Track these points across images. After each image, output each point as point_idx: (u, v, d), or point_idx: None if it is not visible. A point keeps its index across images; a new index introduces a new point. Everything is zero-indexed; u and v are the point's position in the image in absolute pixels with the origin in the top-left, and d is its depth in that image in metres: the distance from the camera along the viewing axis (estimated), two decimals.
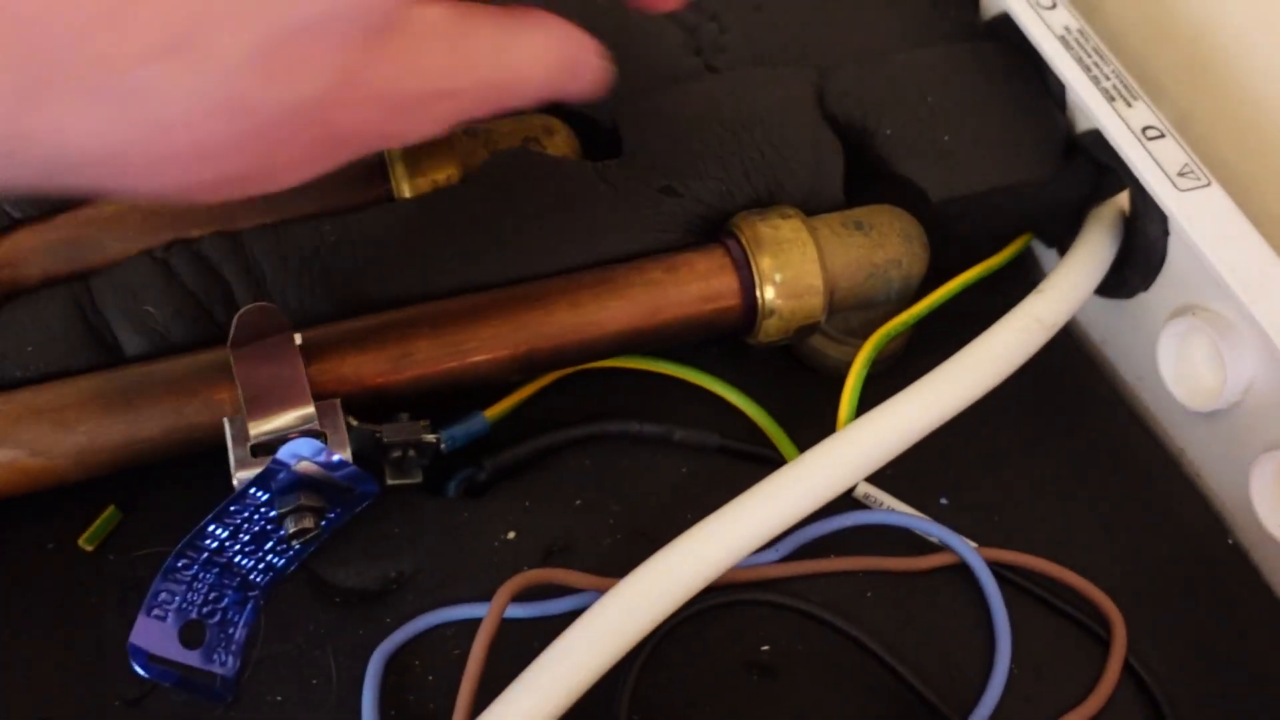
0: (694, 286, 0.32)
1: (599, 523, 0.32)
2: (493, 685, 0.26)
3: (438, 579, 0.31)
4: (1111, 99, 0.35)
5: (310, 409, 0.28)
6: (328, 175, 0.34)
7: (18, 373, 0.29)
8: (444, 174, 0.34)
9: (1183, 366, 0.35)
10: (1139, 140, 0.34)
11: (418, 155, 0.34)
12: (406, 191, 0.34)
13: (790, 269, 0.32)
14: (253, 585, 0.30)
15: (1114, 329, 0.39)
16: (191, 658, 0.28)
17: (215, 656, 0.29)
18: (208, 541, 0.28)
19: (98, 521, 0.31)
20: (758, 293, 0.32)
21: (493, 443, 0.33)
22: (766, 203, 0.34)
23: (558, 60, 0.28)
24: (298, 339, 0.29)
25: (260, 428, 0.28)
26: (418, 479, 0.31)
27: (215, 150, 0.23)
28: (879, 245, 0.33)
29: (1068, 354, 0.39)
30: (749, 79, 0.35)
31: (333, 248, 0.32)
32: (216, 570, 0.29)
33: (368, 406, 0.30)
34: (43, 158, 0.22)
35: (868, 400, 0.32)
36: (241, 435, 0.28)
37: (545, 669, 0.26)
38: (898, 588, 0.32)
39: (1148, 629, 0.32)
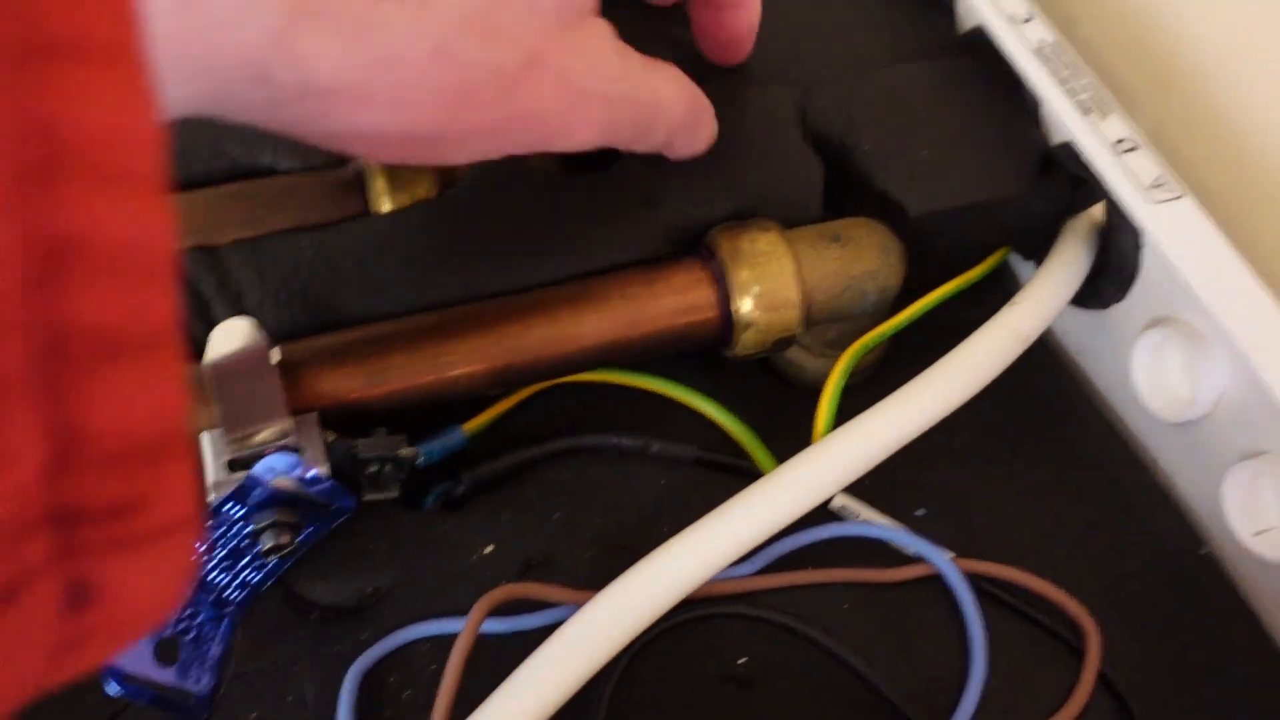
0: (671, 299, 0.32)
1: (577, 536, 0.32)
2: (469, 700, 0.26)
3: (415, 594, 0.31)
4: (1086, 112, 0.35)
5: (287, 424, 0.28)
6: (307, 188, 0.34)
7: None
8: (422, 188, 0.34)
9: (1156, 377, 0.35)
10: (1112, 153, 0.34)
11: (396, 169, 0.34)
12: (385, 206, 0.34)
13: (767, 282, 0.32)
14: (228, 602, 0.30)
15: (1089, 339, 0.39)
16: (166, 675, 0.28)
17: (190, 674, 0.29)
18: None
19: None
20: (735, 306, 0.32)
21: (471, 456, 0.33)
22: (746, 216, 0.34)
23: (690, 106, 0.32)
24: (275, 354, 0.29)
25: (236, 443, 0.28)
26: (395, 493, 0.31)
27: (421, 96, 0.25)
28: (855, 258, 0.33)
29: (1044, 364, 0.39)
30: (731, 95, 0.35)
31: (311, 263, 0.32)
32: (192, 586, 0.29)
33: (345, 421, 0.30)
34: (296, 84, 0.23)
35: (845, 412, 0.33)
36: (218, 451, 0.28)
37: (522, 683, 0.27)
38: (874, 599, 0.32)
39: (1122, 638, 0.32)
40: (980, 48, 0.39)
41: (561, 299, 0.32)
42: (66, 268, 0.13)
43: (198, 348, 0.30)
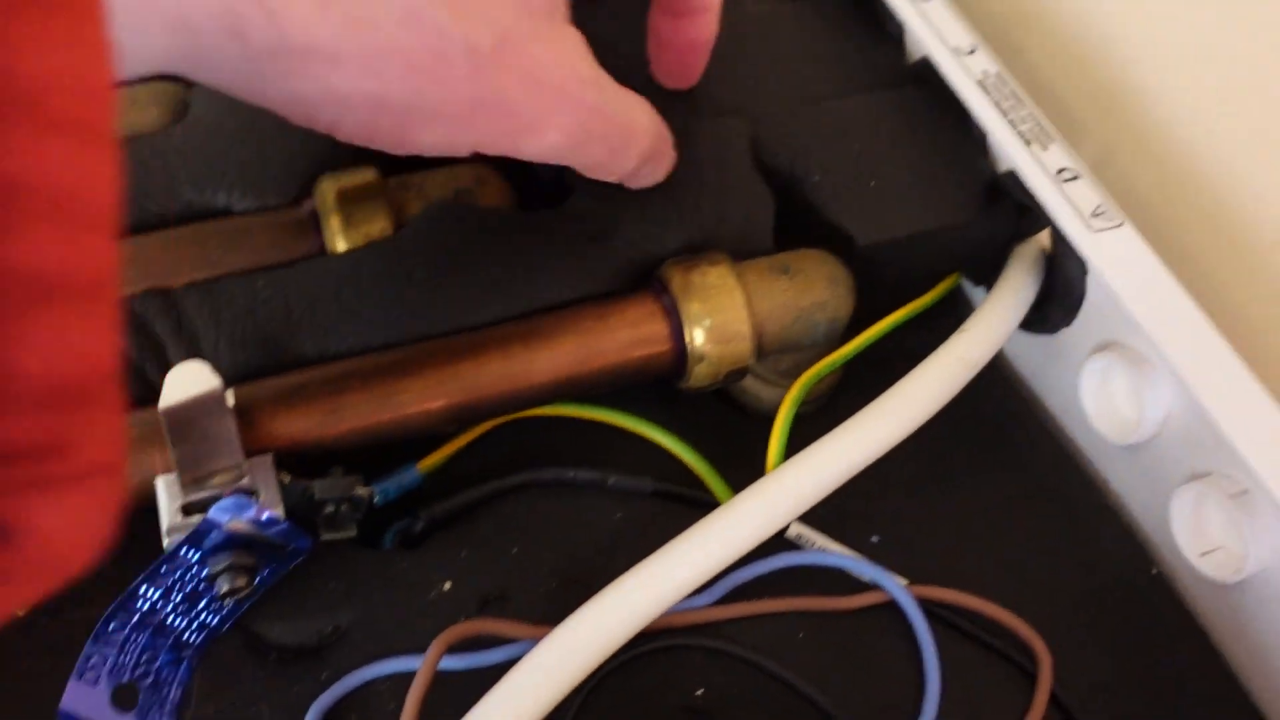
0: (624, 334, 0.33)
1: (535, 571, 0.32)
2: None
3: (374, 632, 0.31)
4: (1028, 142, 0.36)
5: (242, 467, 0.28)
6: (262, 229, 0.34)
7: None
8: (377, 226, 0.34)
9: (1104, 400, 0.36)
10: (1054, 182, 0.35)
11: (351, 208, 0.34)
12: (341, 244, 0.34)
13: (718, 315, 0.33)
14: (186, 645, 0.30)
15: (1040, 363, 0.40)
16: None
17: (149, 718, 0.29)
18: (139, 603, 0.28)
19: None
20: (687, 339, 0.33)
21: (429, 492, 0.34)
22: (698, 248, 0.34)
23: (659, 135, 0.32)
24: (229, 397, 0.29)
25: (191, 487, 0.28)
26: (352, 533, 0.31)
27: (390, 62, 0.25)
28: (805, 290, 0.34)
29: (996, 387, 0.40)
30: (682, 128, 0.36)
31: (266, 303, 0.32)
32: (149, 631, 0.29)
33: (301, 461, 0.30)
34: (269, 40, 0.24)
35: (801, 438, 0.33)
36: (173, 495, 0.28)
37: (481, 719, 0.27)
38: (830, 627, 0.32)
39: (1075, 660, 0.33)
40: (929, 78, 0.40)
41: (515, 335, 0.32)
42: (8, 209, 0.13)
43: (153, 391, 0.30)
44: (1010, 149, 0.36)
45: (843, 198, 0.36)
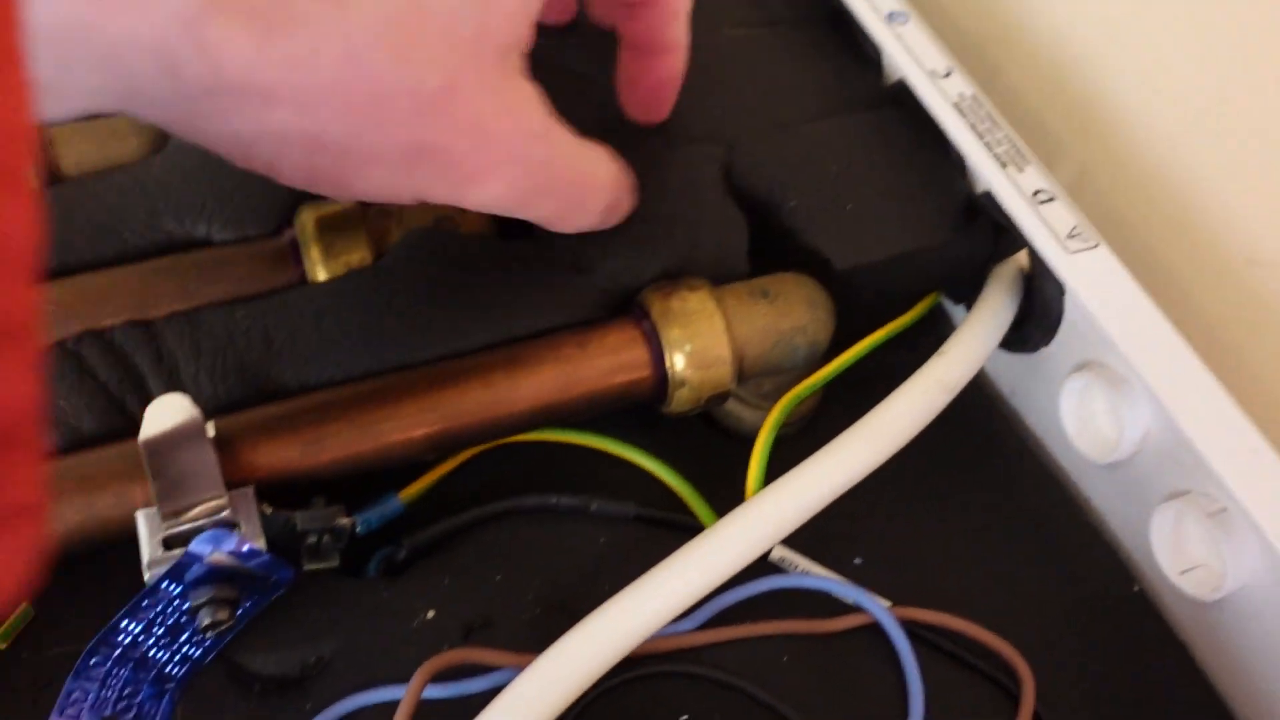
0: (605, 360, 0.33)
1: (519, 598, 0.32)
2: None
3: (358, 662, 0.31)
4: (1004, 164, 0.36)
5: (223, 499, 0.28)
6: (242, 259, 0.34)
7: None
8: (357, 255, 0.34)
9: (1084, 419, 0.36)
10: (1030, 204, 0.35)
11: (331, 237, 0.34)
12: (321, 274, 0.34)
13: (699, 340, 0.33)
14: (169, 678, 0.30)
15: (1021, 382, 0.40)
16: None
17: None
18: (121, 637, 0.28)
19: (10, 619, 0.31)
20: (668, 364, 0.33)
21: (411, 520, 0.34)
22: (675, 275, 0.35)
23: (621, 187, 0.32)
24: (210, 429, 0.29)
25: (172, 520, 0.28)
26: (334, 563, 0.31)
27: (328, 101, 0.25)
28: (784, 313, 0.34)
29: (978, 406, 0.40)
30: (656, 155, 0.36)
31: (246, 334, 0.32)
32: (131, 665, 0.29)
33: (282, 491, 0.30)
34: (205, 77, 0.23)
35: (784, 460, 0.33)
36: (153, 528, 0.28)
37: None
38: (814, 650, 0.32)
39: (1057, 678, 0.33)
40: (906, 100, 0.40)
41: (496, 363, 0.32)
42: None
43: (134, 424, 0.30)
44: (986, 171, 0.36)
45: (819, 221, 0.36)
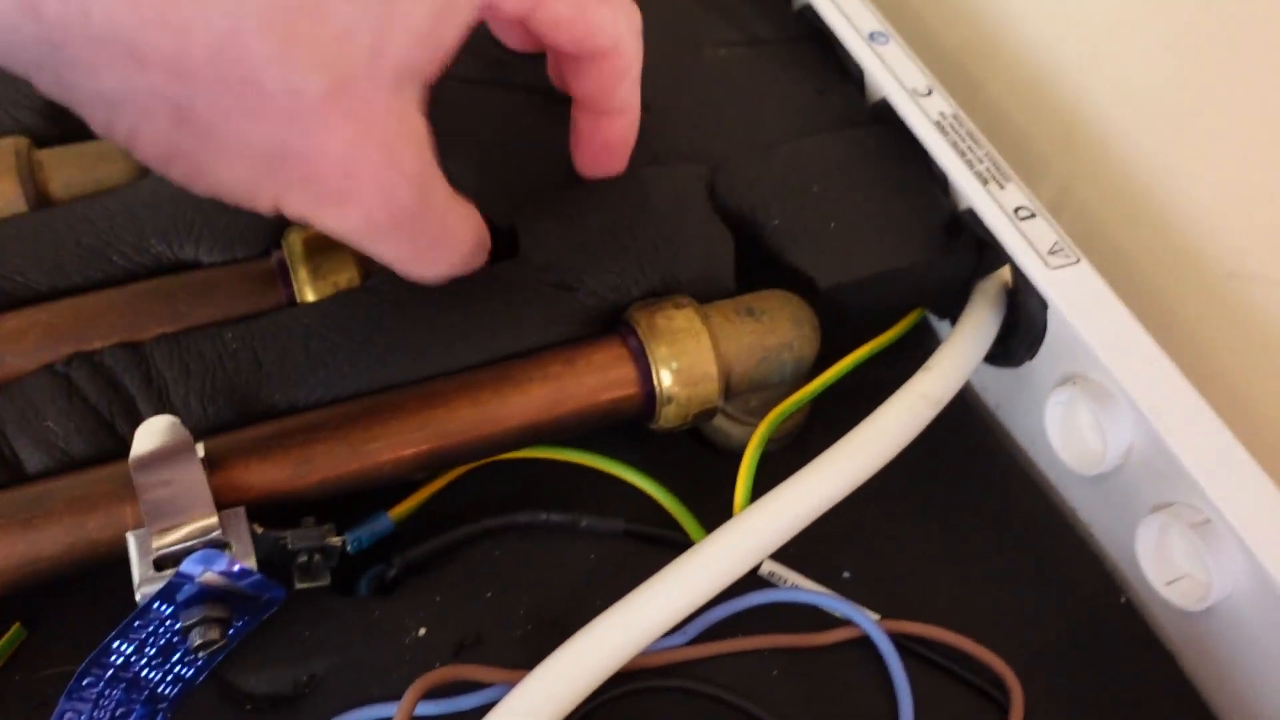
0: (593, 378, 0.33)
1: (510, 614, 0.33)
2: None
3: (350, 680, 0.31)
4: (985, 181, 0.37)
5: (213, 520, 0.28)
6: (230, 281, 0.35)
7: None
8: (345, 276, 0.35)
9: (1069, 432, 0.37)
10: (1011, 221, 0.36)
11: (319, 259, 0.35)
12: (309, 295, 0.34)
13: (685, 357, 0.33)
14: (161, 698, 0.30)
15: (1006, 395, 0.41)
16: None
17: None
18: (113, 658, 0.28)
19: (2, 640, 0.31)
20: (655, 382, 0.33)
21: (402, 538, 0.34)
22: (661, 293, 0.35)
23: (473, 249, 0.32)
24: (200, 450, 0.29)
25: (163, 540, 0.28)
26: (326, 581, 0.31)
27: (200, 80, 0.23)
28: (770, 330, 0.34)
29: (963, 419, 0.41)
30: (641, 177, 0.36)
31: (235, 355, 0.32)
32: (123, 686, 0.29)
33: (273, 512, 0.30)
34: (60, 23, 0.22)
35: (771, 475, 0.33)
36: (144, 549, 0.28)
37: None
38: (803, 664, 0.33)
39: (1046, 691, 0.33)
40: (888, 118, 0.40)
41: (484, 382, 0.32)
42: None
43: (124, 445, 0.30)
44: (968, 189, 0.37)
45: (803, 240, 0.37)
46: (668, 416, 0.34)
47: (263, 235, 0.35)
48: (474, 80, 0.39)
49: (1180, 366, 0.33)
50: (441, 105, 0.30)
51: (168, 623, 0.28)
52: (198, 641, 0.28)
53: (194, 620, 0.28)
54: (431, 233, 0.30)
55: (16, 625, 0.31)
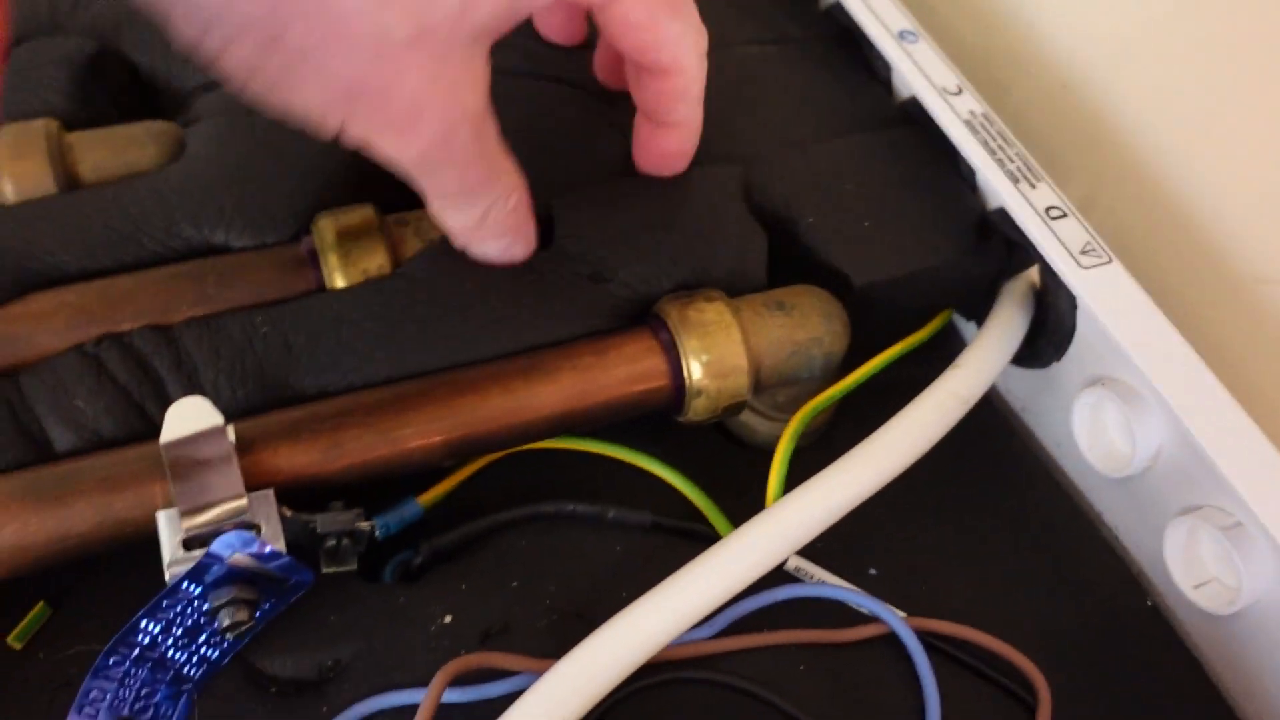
0: (623, 369, 0.33)
1: (535, 604, 0.32)
2: None
3: (375, 666, 0.31)
4: (1016, 181, 0.37)
5: (243, 501, 0.28)
6: (260, 265, 0.35)
7: None
8: (375, 263, 0.35)
9: (1096, 434, 0.36)
10: (1043, 220, 0.35)
11: (349, 245, 0.34)
12: (339, 281, 0.34)
13: (716, 350, 0.33)
14: (186, 679, 0.29)
15: (1033, 397, 0.41)
16: None
17: None
18: (140, 637, 0.28)
19: (27, 619, 0.31)
20: (685, 374, 0.33)
21: (428, 526, 0.34)
22: (692, 287, 0.35)
23: (518, 212, 0.33)
24: (230, 432, 0.29)
25: (193, 521, 0.28)
26: (353, 566, 0.31)
27: (302, 10, 0.25)
28: (800, 325, 0.34)
29: (989, 421, 0.40)
30: (677, 174, 0.37)
31: (265, 339, 0.32)
32: (149, 666, 0.29)
33: (301, 496, 0.30)
34: None
35: (797, 472, 0.33)
36: (174, 529, 0.28)
37: None
38: (830, 659, 0.32)
39: (1072, 692, 0.33)
40: (917, 117, 0.40)
41: (515, 371, 0.32)
42: None
43: (153, 427, 0.30)
44: (999, 188, 0.37)
45: (837, 239, 0.37)
46: (696, 409, 0.34)
47: (292, 220, 0.35)
48: (510, 72, 0.39)
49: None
50: None
51: (195, 603, 0.28)
52: (226, 622, 0.28)
53: (223, 601, 0.28)
54: (479, 173, 0.31)
55: (41, 604, 0.31)
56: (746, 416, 0.37)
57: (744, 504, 0.34)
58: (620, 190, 0.36)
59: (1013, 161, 0.37)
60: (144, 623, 0.28)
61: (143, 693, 0.28)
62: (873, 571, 0.35)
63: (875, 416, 0.34)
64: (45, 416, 0.30)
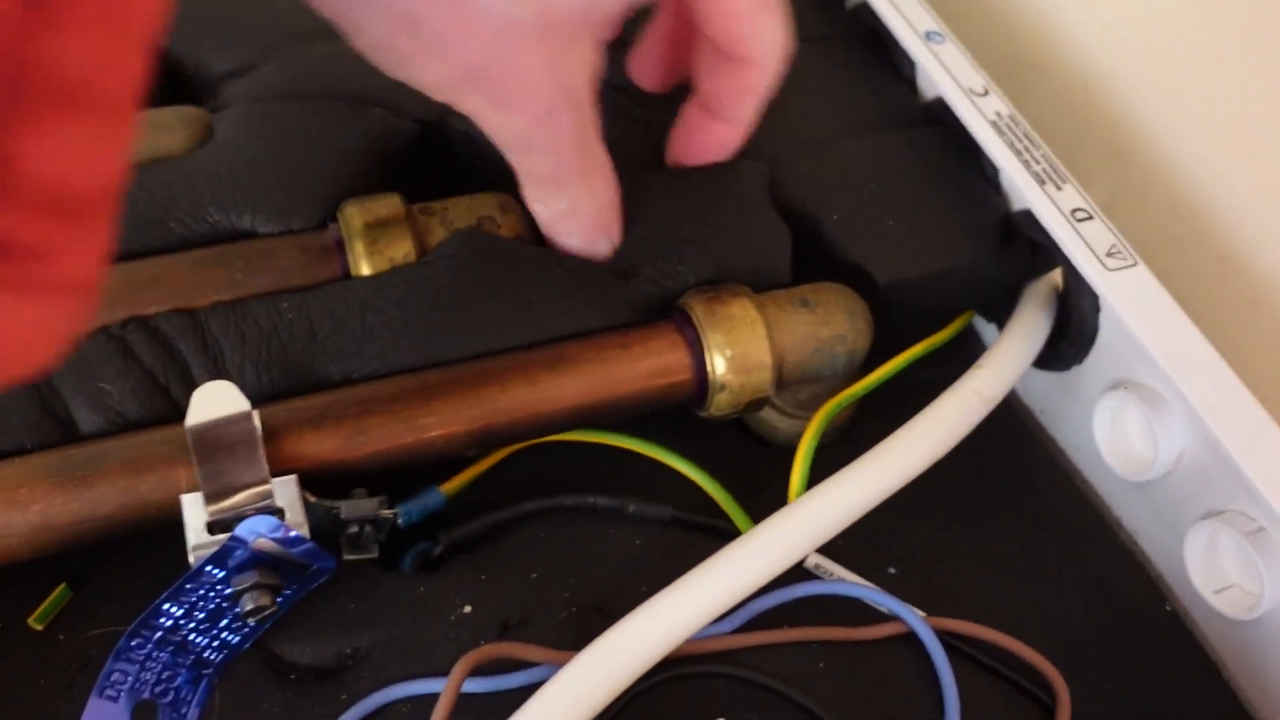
0: (647, 363, 0.33)
1: (555, 596, 0.32)
2: None
3: (394, 654, 0.31)
4: (1042, 182, 0.37)
5: (268, 486, 0.28)
6: (286, 252, 0.35)
7: None
8: (401, 252, 0.35)
9: (1117, 437, 0.36)
10: (1069, 222, 0.35)
11: (376, 233, 0.35)
12: (365, 269, 0.34)
13: (739, 345, 0.33)
14: (207, 663, 0.30)
15: (1053, 400, 0.41)
16: None
17: None
18: (162, 620, 0.28)
19: (48, 600, 0.31)
20: (709, 368, 0.33)
21: (448, 516, 0.34)
22: (716, 283, 0.35)
23: (607, 202, 0.33)
24: (255, 417, 0.29)
25: (217, 505, 0.28)
26: (374, 554, 0.31)
27: None
28: (824, 322, 0.34)
29: (1009, 424, 0.40)
30: (702, 171, 0.37)
31: (290, 325, 0.32)
32: (170, 649, 0.29)
33: (324, 482, 0.30)
34: None
35: (816, 470, 0.33)
36: (198, 513, 0.28)
37: None
38: (849, 657, 0.32)
39: (1090, 695, 0.33)
40: (942, 118, 0.40)
41: (539, 362, 0.32)
42: (63, 10, 0.13)
43: (178, 410, 0.30)
44: (1025, 189, 0.37)
45: (861, 237, 0.37)
46: (719, 404, 0.34)
47: (319, 207, 0.35)
48: None
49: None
50: None
51: (218, 587, 0.28)
52: (249, 607, 0.28)
53: (246, 585, 0.28)
54: (573, 161, 0.32)
55: (62, 586, 0.31)
56: (768, 414, 0.37)
57: (763, 501, 0.34)
58: (646, 185, 0.36)
59: (1039, 163, 0.37)
60: (167, 605, 0.28)
61: (164, 676, 0.28)
62: (892, 570, 0.35)
63: (894, 416, 0.34)
64: (70, 398, 0.30)
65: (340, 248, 0.35)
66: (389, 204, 0.35)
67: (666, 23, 0.36)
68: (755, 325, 0.33)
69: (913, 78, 0.42)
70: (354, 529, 0.30)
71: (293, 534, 0.28)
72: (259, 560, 0.28)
